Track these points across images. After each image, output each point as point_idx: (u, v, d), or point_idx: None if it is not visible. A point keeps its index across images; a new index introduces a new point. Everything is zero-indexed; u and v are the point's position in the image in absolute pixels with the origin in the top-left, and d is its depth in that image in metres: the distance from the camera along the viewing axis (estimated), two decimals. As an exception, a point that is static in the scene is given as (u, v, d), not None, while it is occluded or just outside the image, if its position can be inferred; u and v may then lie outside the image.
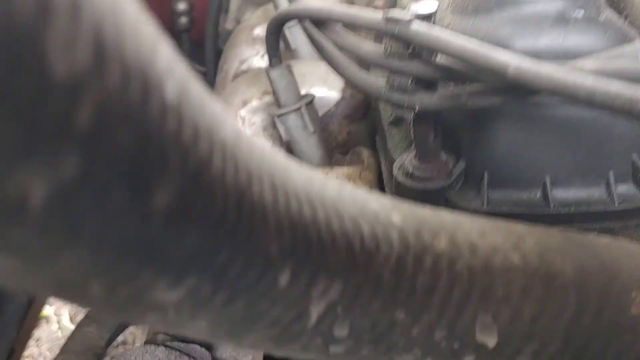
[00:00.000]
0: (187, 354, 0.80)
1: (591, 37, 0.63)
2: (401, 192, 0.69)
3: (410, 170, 0.68)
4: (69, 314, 0.89)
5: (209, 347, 0.81)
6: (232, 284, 0.25)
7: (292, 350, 0.30)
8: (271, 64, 0.86)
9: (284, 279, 0.26)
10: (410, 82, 0.61)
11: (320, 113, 0.94)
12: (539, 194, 0.67)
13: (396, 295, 0.29)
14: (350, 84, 0.77)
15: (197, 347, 0.81)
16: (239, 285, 0.25)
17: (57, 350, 0.79)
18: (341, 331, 0.29)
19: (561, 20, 0.64)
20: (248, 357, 0.85)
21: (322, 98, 0.96)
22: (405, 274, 0.29)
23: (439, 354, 0.31)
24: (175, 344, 0.82)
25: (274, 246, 0.25)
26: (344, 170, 0.90)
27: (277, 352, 0.31)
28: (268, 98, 0.99)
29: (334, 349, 0.30)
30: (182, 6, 1.68)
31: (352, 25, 0.69)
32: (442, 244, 0.31)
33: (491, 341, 0.32)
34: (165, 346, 0.80)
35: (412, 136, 0.68)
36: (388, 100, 0.65)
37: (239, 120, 0.99)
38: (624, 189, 0.67)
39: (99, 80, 0.18)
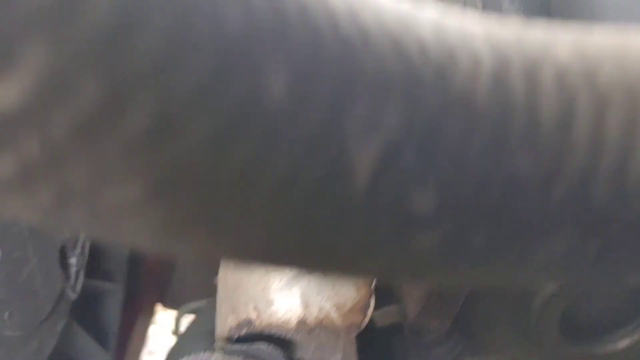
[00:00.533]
0: (253, 356, 0.79)
1: None
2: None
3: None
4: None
5: (284, 345, 0.80)
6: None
7: None
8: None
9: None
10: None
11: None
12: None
13: None
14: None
15: (264, 347, 0.81)
16: None
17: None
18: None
19: None
20: (337, 355, 0.85)
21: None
22: None
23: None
24: (237, 347, 0.81)
25: None
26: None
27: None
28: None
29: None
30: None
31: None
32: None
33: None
34: (226, 351, 0.79)
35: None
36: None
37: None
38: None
39: None
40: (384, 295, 1.10)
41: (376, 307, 1.09)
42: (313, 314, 0.85)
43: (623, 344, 0.83)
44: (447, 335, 0.91)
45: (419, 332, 0.92)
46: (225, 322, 0.89)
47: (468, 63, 0.22)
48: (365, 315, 0.86)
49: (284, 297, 0.85)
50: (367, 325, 1.18)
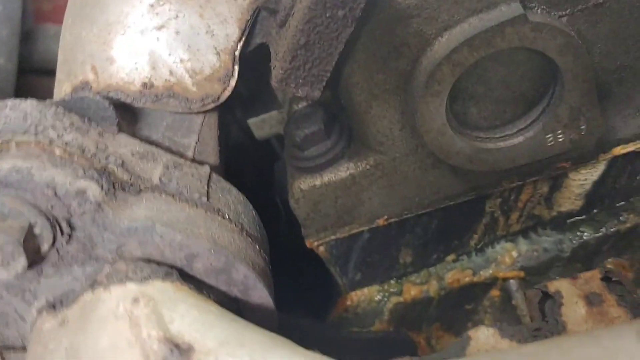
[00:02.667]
0: (74, 107, 0.64)
1: None
2: None
3: None
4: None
5: (128, 117, 0.66)
6: None
7: None
8: None
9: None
10: None
11: None
12: None
13: None
14: None
15: (89, 95, 0.66)
16: None
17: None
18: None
19: None
20: (191, 137, 0.72)
21: None
22: None
23: None
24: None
25: None
26: None
27: None
28: None
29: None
30: None
31: None
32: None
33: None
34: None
35: None
36: None
37: None
38: None
39: None
40: (263, 102, 0.97)
41: (254, 114, 0.96)
42: (162, 77, 0.70)
43: (515, 140, 0.73)
44: (326, 132, 0.79)
45: (294, 123, 0.80)
46: (60, 92, 0.74)
47: None
48: (226, 85, 0.72)
49: (128, 55, 0.70)
50: (244, 143, 1.05)
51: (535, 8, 0.66)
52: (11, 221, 0.55)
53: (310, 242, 0.86)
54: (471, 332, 0.58)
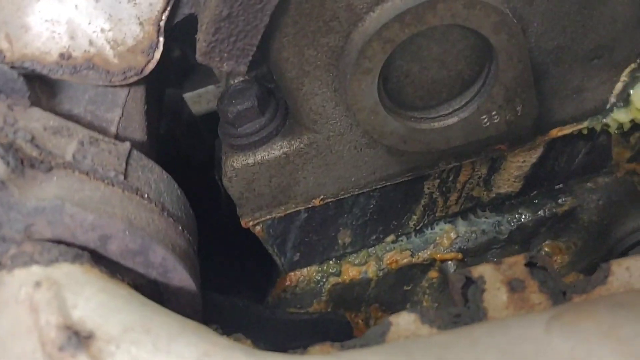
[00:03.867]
0: None
1: None
2: None
3: None
4: None
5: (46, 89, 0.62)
6: None
7: None
8: None
9: None
10: None
11: None
12: None
13: None
14: None
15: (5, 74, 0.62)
16: None
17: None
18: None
19: None
20: (115, 111, 0.69)
21: None
22: None
23: None
24: None
25: None
26: None
27: None
28: None
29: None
30: None
31: None
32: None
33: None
34: None
35: None
36: None
37: None
38: None
39: None
40: (199, 76, 0.94)
41: (191, 89, 0.93)
42: (81, 48, 0.66)
43: (450, 120, 0.71)
44: (259, 108, 0.76)
45: (228, 99, 0.77)
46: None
47: None
48: (150, 57, 0.68)
49: (44, 23, 0.66)
50: (184, 115, 1.02)
51: (470, -16, 0.64)
52: None
53: (246, 222, 0.84)
54: (392, 318, 0.57)
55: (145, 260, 0.60)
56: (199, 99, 0.89)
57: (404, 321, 0.57)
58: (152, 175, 0.66)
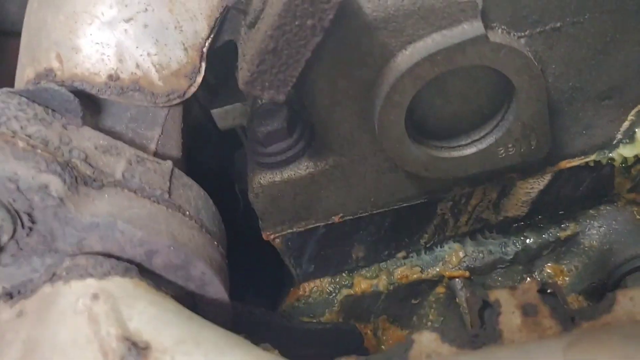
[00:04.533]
0: (37, 95, 0.64)
1: None
2: None
3: None
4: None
5: (91, 107, 0.65)
6: None
7: None
8: None
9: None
10: None
11: None
12: None
13: None
14: None
15: (53, 87, 0.65)
16: None
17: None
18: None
19: None
20: (156, 130, 0.72)
21: None
22: None
23: None
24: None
25: None
26: None
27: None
28: None
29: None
30: None
31: None
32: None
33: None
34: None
35: None
36: None
37: None
38: None
39: None
40: (227, 92, 0.98)
41: (218, 105, 0.97)
42: (128, 70, 0.71)
43: (469, 151, 0.76)
44: (288, 130, 0.81)
45: (257, 119, 0.81)
46: (23, 76, 0.74)
47: None
48: (192, 82, 0.73)
49: (95, 45, 0.70)
50: (206, 128, 1.06)
51: (497, 28, 0.69)
52: (-28, 214, 0.55)
53: (267, 235, 0.88)
54: (415, 336, 0.61)
55: (186, 274, 0.65)
56: (225, 115, 0.93)
57: (426, 339, 0.61)
58: (191, 193, 0.70)
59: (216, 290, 0.67)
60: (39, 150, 0.60)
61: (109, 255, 0.61)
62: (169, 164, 0.70)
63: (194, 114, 1.02)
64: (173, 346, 0.53)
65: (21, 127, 0.61)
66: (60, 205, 0.59)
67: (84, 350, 0.52)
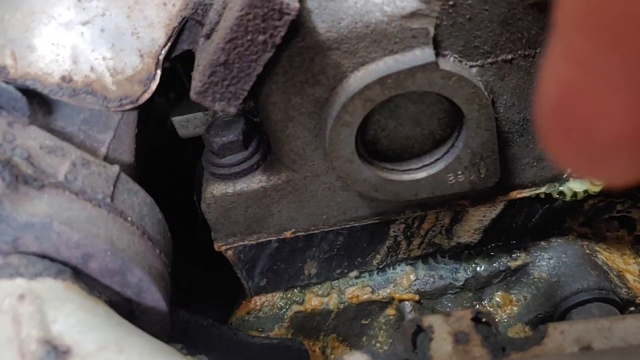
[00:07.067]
0: None
1: None
2: None
3: None
4: None
5: (43, 106, 0.65)
6: None
7: None
8: None
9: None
10: None
11: None
12: None
13: None
14: None
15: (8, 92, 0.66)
16: None
17: None
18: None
19: None
20: (107, 133, 0.72)
21: None
22: None
23: None
24: None
25: None
26: None
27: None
28: None
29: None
30: None
31: None
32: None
33: None
34: None
35: None
36: None
37: None
38: None
39: None
40: (189, 102, 0.98)
41: (179, 113, 0.97)
42: (82, 72, 0.71)
43: (419, 175, 0.77)
44: (244, 142, 0.81)
45: (214, 130, 0.81)
46: (-22, 70, 0.73)
47: None
48: (146, 88, 0.73)
49: (50, 46, 0.70)
50: (169, 132, 1.06)
51: (449, 56, 0.70)
52: None
53: (219, 246, 0.88)
54: (345, 356, 0.62)
55: (123, 280, 0.65)
56: (186, 124, 0.94)
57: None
58: (136, 199, 0.70)
59: (154, 297, 0.67)
60: (-20, 148, 0.60)
61: (43, 256, 0.61)
62: (115, 168, 0.70)
63: (156, 107, 1.02)
64: (95, 351, 0.53)
65: (-36, 123, 0.61)
66: (-4, 203, 0.58)
67: (4, 350, 0.51)
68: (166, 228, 0.74)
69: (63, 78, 0.70)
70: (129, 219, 0.67)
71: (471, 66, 0.71)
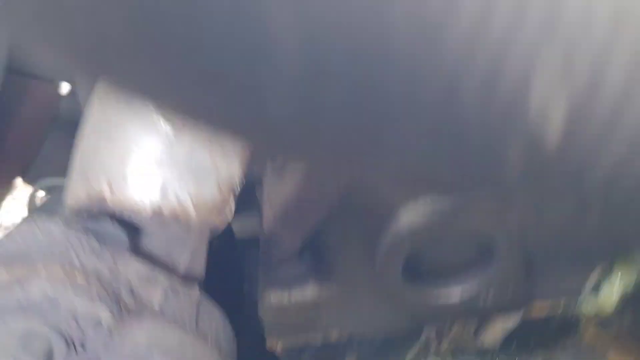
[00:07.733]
0: (94, 234, 0.74)
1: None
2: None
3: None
4: None
5: (133, 229, 0.75)
6: None
7: None
8: None
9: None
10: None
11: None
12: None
13: None
14: None
15: (109, 226, 0.76)
16: None
17: None
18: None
19: None
20: (185, 254, 0.82)
21: None
22: None
23: None
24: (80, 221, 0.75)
25: None
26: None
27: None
28: None
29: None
30: None
31: None
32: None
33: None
34: (66, 222, 0.74)
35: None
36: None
37: None
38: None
39: None
40: (245, 203, 1.09)
41: (237, 213, 1.08)
42: (170, 205, 0.81)
43: (454, 299, 0.87)
44: (298, 254, 0.92)
45: (272, 247, 0.92)
46: (75, 192, 0.84)
47: None
48: (223, 216, 0.84)
49: (142, 179, 0.81)
50: (223, 237, 1.17)
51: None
52: (38, 344, 0.65)
53: (272, 342, 0.98)
54: None
55: (205, 398, 0.75)
56: (243, 227, 1.04)
57: None
58: (214, 320, 0.80)
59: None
60: (94, 285, 0.70)
61: (142, 380, 0.71)
62: (196, 292, 0.80)
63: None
64: None
65: (79, 261, 0.71)
66: (108, 336, 0.69)
67: None
68: (234, 341, 0.84)
69: (154, 211, 0.80)
70: (209, 341, 0.77)
71: (506, 210, 0.82)
